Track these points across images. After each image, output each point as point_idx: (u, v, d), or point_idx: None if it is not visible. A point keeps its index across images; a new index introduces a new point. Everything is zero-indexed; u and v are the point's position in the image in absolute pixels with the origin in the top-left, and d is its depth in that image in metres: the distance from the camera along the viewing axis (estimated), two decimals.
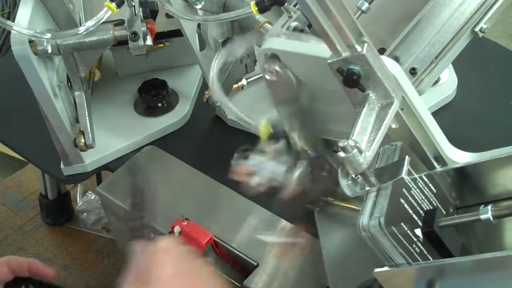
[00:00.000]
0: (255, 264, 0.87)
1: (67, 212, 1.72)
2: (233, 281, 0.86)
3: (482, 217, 0.57)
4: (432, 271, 0.56)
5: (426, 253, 0.57)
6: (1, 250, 1.69)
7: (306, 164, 0.58)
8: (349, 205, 0.77)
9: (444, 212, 0.62)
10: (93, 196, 1.80)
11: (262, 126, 0.59)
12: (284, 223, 0.93)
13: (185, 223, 0.86)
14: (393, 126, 0.61)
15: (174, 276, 0.59)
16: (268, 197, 0.93)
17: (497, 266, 0.52)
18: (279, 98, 0.66)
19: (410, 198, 0.58)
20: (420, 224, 0.58)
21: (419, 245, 0.57)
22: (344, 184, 0.56)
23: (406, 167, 0.57)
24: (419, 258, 0.56)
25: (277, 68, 0.63)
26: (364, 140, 0.55)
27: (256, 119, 0.62)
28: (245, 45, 0.76)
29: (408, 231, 0.56)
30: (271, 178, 0.58)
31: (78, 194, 1.80)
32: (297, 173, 0.57)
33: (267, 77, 0.64)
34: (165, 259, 0.61)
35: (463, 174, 0.65)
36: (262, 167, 0.58)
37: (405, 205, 0.57)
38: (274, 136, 0.58)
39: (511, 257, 0.50)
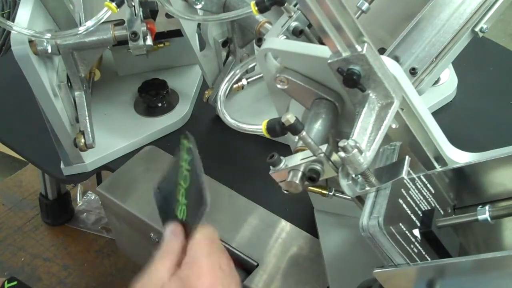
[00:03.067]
0: (255, 264, 0.87)
1: (67, 212, 1.73)
2: None
3: (480, 217, 0.57)
4: (432, 271, 0.56)
5: (424, 253, 0.57)
6: (1, 250, 1.69)
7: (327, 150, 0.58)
8: (319, 190, 0.77)
9: (442, 213, 0.62)
10: (93, 196, 1.80)
11: (263, 126, 0.59)
12: (284, 223, 0.93)
13: None
14: (393, 126, 0.61)
15: (209, 269, 0.59)
16: (270, 196, 0.94)
17: (497, 266, 0.52)
18: (301, 103, 0.66)
19: (409, 199, 0.58)
20: (418, 224, 0.58)
21: (417, 245, 0.57)
22: (345, 184, 0.56)
23: (406, 167, 0.57)
24: (417, 259, 0.56)
25: (287, 76, 0.63)
26: (364, 140, 0.55)
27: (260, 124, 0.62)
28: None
29: (406, 231, 0.56)
30: (307, 170, 0.58)
31: (78, 194, 1.80)
32: (325, 148, 0.57)
33: (279, 86, 0.64)
34: (211, 249, 0.60)
35: (462, 174, 0.65)
36: (296, 164, 0.59)
37: (404, 205, 0.57)
38: (274, 132, 0.58)
39: (511, 257, 0.50)
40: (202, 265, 0.59)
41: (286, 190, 0.60)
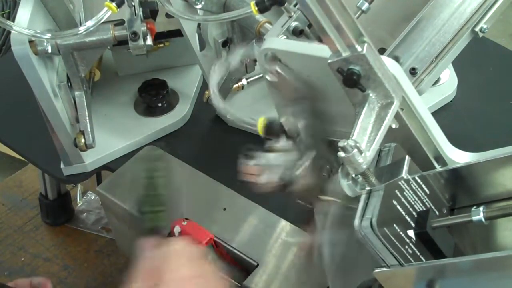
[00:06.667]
0: (255, 264, 0.87)
1: (67, 212, 1.72)
2: (233, 281, 0.86)
3: (474, 218, 0.57)
4: (431, 271, 0.56)
5: (418, 254, 0.57)
6: (1, 250, 1.69)
7: (311, 159, 0.58)
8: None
9: (437, 213, 0.62)
10: (93, 196, 1.80)
11: (259, 123, 0.59)
12: (284, 223, 0.93)
13: (185, 223, 0.86)
14: (393, 126, 0.60)
15: (189, 279, 0.59)
16: (270, 196, 0.94)
17: (497, 266, 0.52)
18: (283, 98, 0.66)
19: (403, 200, 0.58)
20: (413, 225, 0.58)
21: (412, 246, 0.57)
22: (345, 184, 0.56)
23: (406, 167, 0.57)
24: (411, 259, 0.56)
25: (277, 68, 0.63)
26: (364, 140, 0.55)
27: (256, 119, 0.62)
28: (242, 53, 0.76)
29: (401, 232, 0.56)
30: (280, 174, 0.58)
31: (78, 194, 1.80)
32: (301, 168, 0.57)
33: (268, 78, 0.64)
34: (180, 260, 0.61)
35: (460, 175, 0.65)
36: (270, 164, 0.58)
37: (398, 206, 0.57)
38: (271, 132, 0.58)
39: (511, 257, 0.50)
40: (183, 277, 0.59)
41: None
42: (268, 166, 0.58)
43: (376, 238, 0.53)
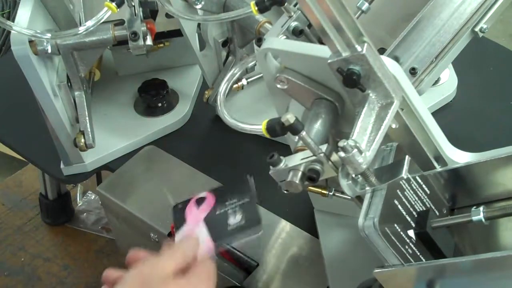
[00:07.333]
0: (255, 264, 0.87)
1: (67, 212, 1.72)
2: (233, 281, 0.86)
3: (474, 218, 0.57)
4: (432, 271, 0.56)
5: (418, 254, 0.57)
6: (1, 250, 1.69)
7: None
8: (319, 190, 0.76)
9: (437, 213, 0.62)
10: (93, 196, 1.80)
11: (263, 126, 0.59)
12: (284, 223, 0.93)
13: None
14: (393, 126, 0.61)
15: None
16: (270, 196, 0.94)
17: (497, 266, 0.52)
18: (302, 103, 0.66)
19: (404, 199, 0.58)
20: (413, 225, 0.58)
21: (412, 246, 0.57)
22: (345, 184, 0.56)
23: (406, 166, 0.57)
24: (411, 259, 0.57)
25: (287, 76, 0.63)
26: (364, 140, 0.55)
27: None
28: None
29: (401, 232, 0.56)
30: (307, 167, 0.59)
31: (78, 194, 1.80)
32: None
33: (279, 86, 0.64)
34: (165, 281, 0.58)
35: (460, 175, 0.65)
36: (295, 161, 0.59)
37: (399, 206, 0.57)
38: (275, 132, 0.58)
39: (511, 257, 0.50)
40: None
41: (286, 190, 0.61)
42: (294, 167, 0.59)
43: (379, 237, 0.53)
